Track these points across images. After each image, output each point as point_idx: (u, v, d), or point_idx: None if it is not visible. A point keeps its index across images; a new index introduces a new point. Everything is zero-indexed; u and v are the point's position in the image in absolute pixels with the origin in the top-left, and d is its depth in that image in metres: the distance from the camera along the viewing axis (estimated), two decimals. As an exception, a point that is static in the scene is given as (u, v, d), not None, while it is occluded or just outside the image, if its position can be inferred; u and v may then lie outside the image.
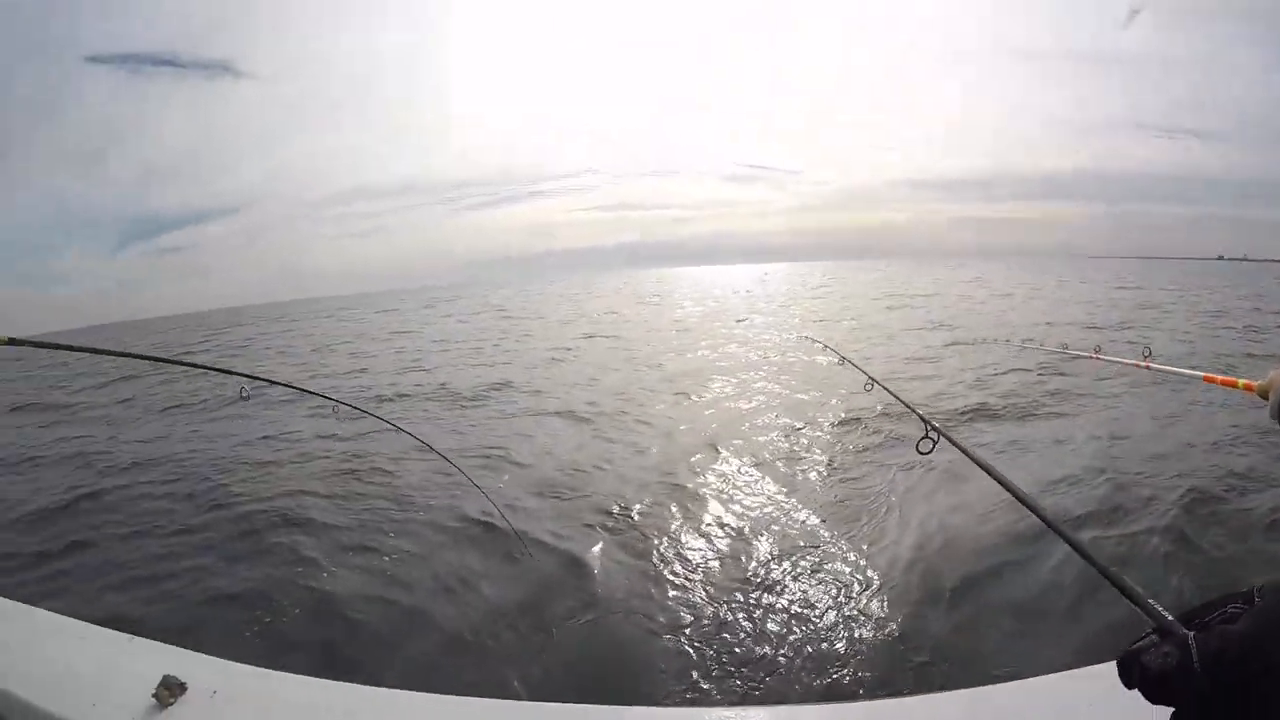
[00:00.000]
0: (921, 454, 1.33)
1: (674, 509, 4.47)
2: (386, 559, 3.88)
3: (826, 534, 3.99)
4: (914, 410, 1.52)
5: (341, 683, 1.07)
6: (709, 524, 4.24)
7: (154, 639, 1.25)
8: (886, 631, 2.91)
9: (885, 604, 3.12)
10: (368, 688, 1.07)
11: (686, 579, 3.52)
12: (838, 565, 3.57)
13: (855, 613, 3.06)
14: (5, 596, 1.46)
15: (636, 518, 4.30)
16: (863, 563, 3.57)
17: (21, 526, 4.73)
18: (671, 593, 3.38)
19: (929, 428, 1.34)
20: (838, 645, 2.84)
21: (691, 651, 2.84)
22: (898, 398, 1.76)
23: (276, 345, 20.92)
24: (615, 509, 4.45)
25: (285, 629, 3.18)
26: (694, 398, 8.29)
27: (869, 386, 2.17)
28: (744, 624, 3.03)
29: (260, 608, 3.33)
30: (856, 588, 3.31)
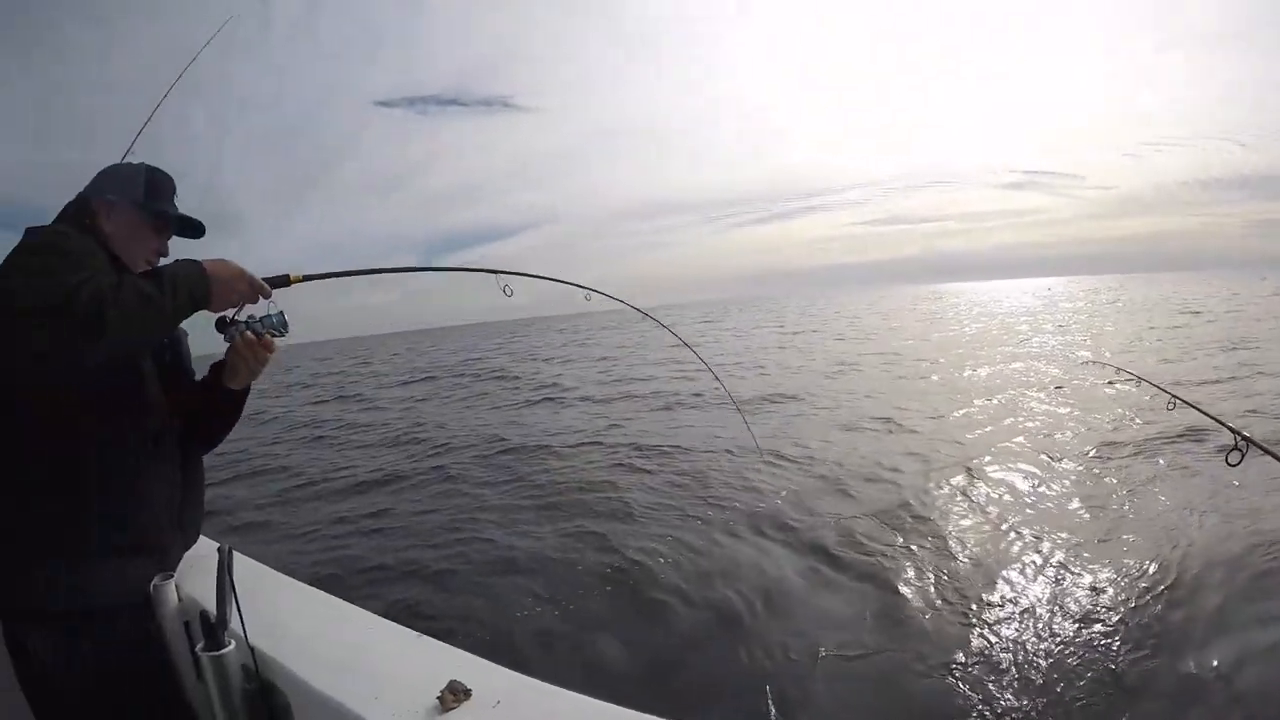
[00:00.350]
0: (1230, 465, 1.34)
1: (972, 534, 4.32)
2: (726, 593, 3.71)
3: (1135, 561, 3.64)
4: (1221, 423, 1.51)
5: (641, 714, 0.93)
6: (1023, 554, 3.97)
7: (444, 640, 1.21)
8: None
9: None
10: None
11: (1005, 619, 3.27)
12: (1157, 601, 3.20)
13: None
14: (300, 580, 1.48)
15: (941, 540, 4.21)
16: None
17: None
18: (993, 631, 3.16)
19: (1238, 438, 1.34)
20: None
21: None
22: (1199, 409, 1.70)
23: (561, 355, 22.99)
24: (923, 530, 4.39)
25: (602, 653, 3.14)
26: (982, 415, 8.03)
27: (1171, 405, 2.03)
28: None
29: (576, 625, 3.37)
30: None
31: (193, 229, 1.45)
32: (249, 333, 1.33)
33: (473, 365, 21.09)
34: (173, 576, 1.33)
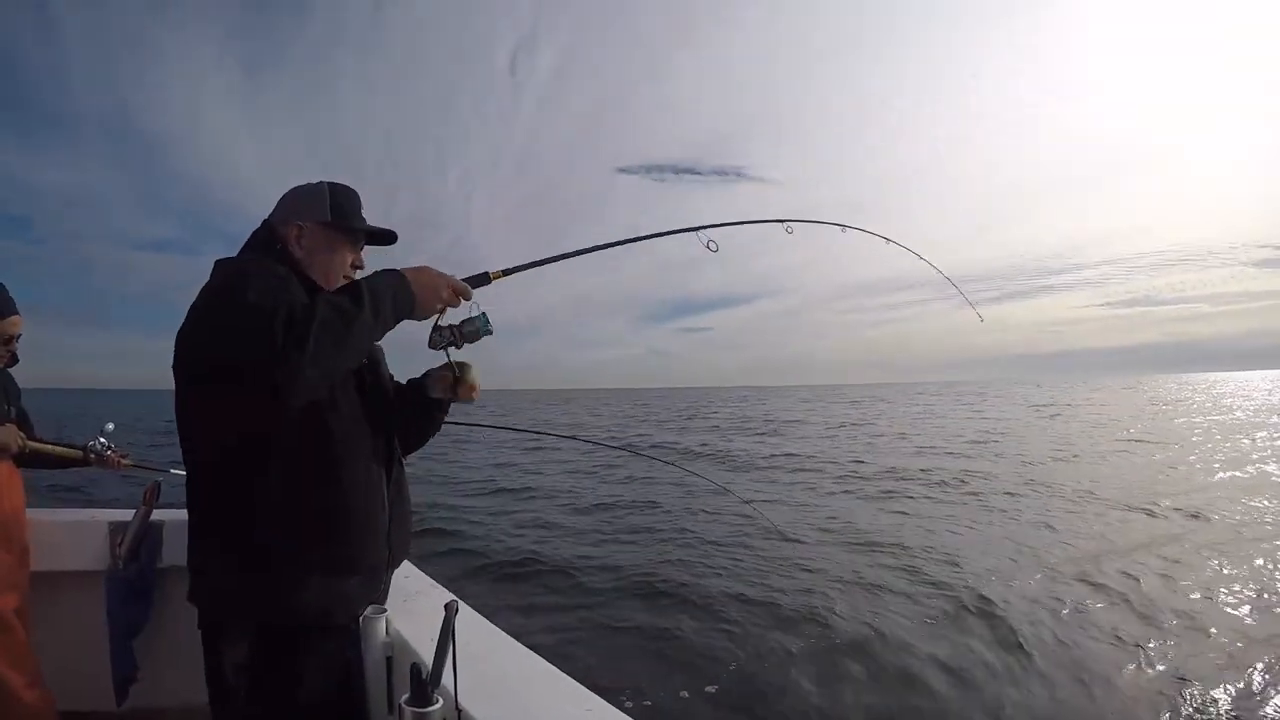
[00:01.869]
0: None
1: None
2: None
3: None
4: None
5: None
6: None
7: None
8: None
9: None
10: None
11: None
12: None
13: None
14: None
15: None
16: None
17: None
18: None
19: None
20: None
21: None
22: None
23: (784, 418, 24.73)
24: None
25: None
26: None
27: None
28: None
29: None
30: None
31: (384, 238, 1.41)
32: (457, 376, 1.37)
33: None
34: (385, 611, 1.30)
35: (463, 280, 1.26)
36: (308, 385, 1.00)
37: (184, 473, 1.27)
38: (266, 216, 1.33)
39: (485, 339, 1.33)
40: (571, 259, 1.47)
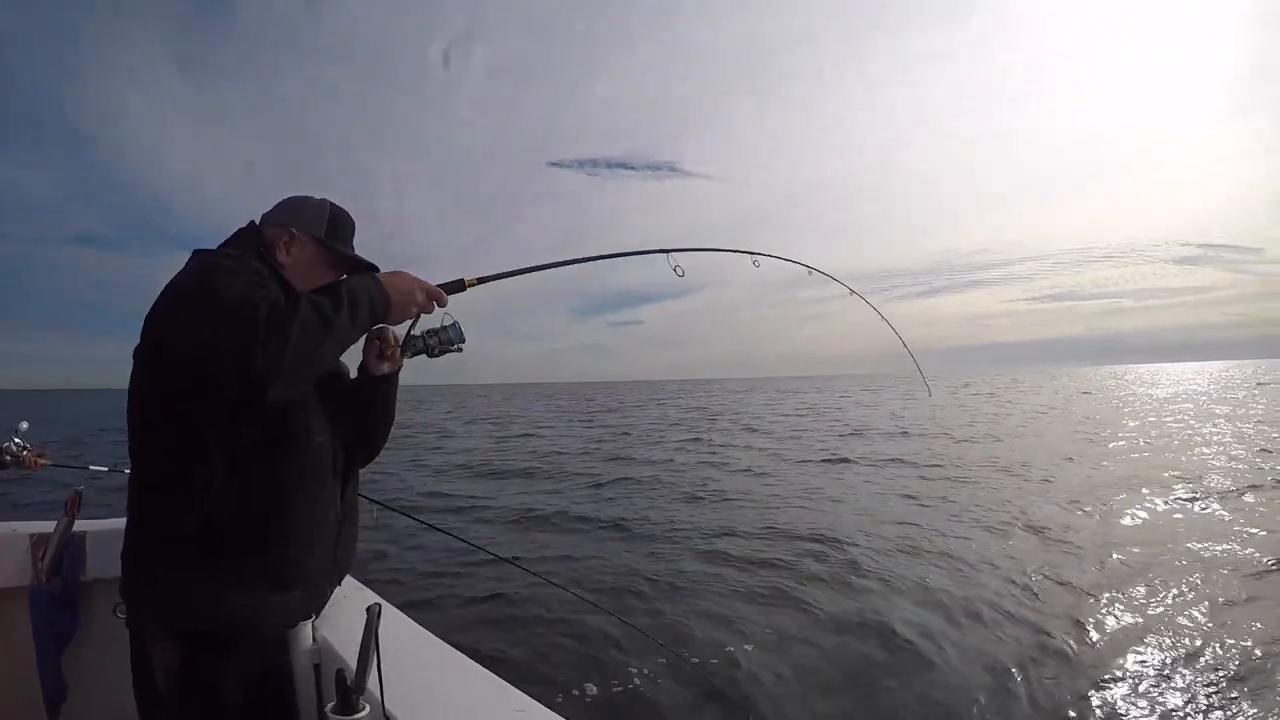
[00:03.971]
0: None
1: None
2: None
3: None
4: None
5: None
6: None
7: None
8: None
9: None
10: None
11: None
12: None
13: None
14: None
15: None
16: None
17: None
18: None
19: None
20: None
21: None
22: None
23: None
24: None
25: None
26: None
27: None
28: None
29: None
30: None
31: (366, 271, 1.35)
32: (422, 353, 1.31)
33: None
34: (311, 617, 1.27)
35: (438, 286, 1.25)
36: (287, 379, 0.98)
37: (105, 469, 1.19)
38: (255, 217, 1.29)
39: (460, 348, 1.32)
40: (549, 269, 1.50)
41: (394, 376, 1.38)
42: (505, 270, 1.40)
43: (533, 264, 1.47)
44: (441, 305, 1.27)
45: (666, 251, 1.59)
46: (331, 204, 1.33)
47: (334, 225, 1.31)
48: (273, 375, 0.96)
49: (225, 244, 1.25)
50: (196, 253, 1.17)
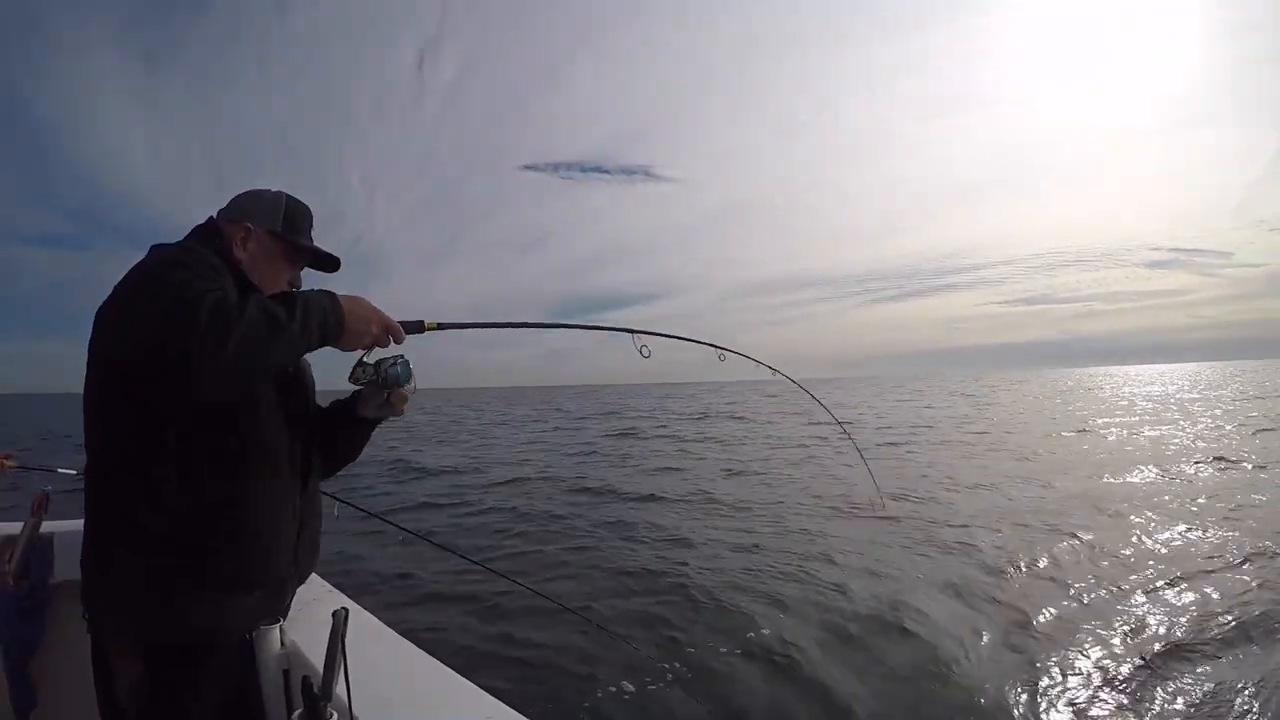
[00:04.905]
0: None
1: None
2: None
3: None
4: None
5: None
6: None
7: None
8: None
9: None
10: None
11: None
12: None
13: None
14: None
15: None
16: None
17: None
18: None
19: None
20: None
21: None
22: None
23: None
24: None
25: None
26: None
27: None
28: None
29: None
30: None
31: (327, 263, 1.38)
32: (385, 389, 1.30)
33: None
34: (279, 622, 1.26)
35: (399, 323, 1.21)
36: (220, 380, 0.96)
37: (73, 471, 1.20)
38: (212, 213, 1.28)
39: (407, 389, 1.31)
40: (516, 328, 1.53)
41: (377, 422, 1.39)
42: (469, 320, 1.39)
43: (498, 320, 1.48)
44: (398, 342, 1.23)
45: (633, 332, 1.60)
46: (287, 196, 1.31)
47: (290, 218, 1.29)
48: (206, 373, 0.93)
49: (188, 237, 1.23)
50: (153, 247, 1.14)
